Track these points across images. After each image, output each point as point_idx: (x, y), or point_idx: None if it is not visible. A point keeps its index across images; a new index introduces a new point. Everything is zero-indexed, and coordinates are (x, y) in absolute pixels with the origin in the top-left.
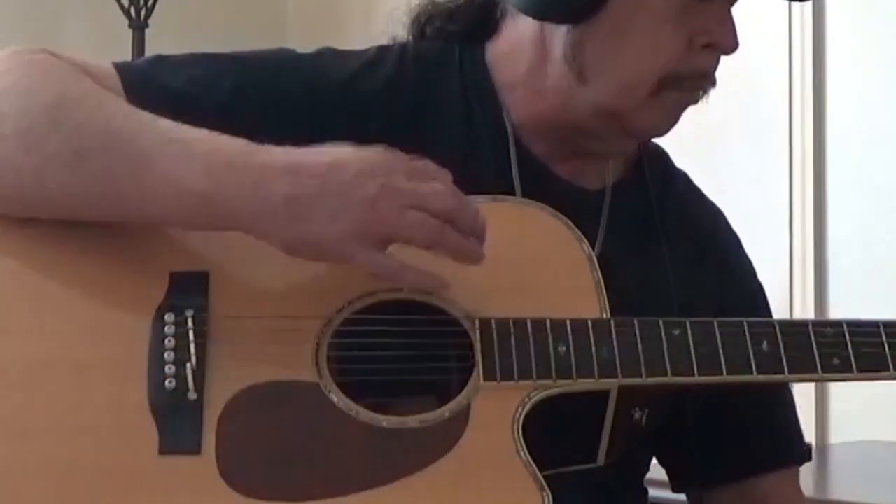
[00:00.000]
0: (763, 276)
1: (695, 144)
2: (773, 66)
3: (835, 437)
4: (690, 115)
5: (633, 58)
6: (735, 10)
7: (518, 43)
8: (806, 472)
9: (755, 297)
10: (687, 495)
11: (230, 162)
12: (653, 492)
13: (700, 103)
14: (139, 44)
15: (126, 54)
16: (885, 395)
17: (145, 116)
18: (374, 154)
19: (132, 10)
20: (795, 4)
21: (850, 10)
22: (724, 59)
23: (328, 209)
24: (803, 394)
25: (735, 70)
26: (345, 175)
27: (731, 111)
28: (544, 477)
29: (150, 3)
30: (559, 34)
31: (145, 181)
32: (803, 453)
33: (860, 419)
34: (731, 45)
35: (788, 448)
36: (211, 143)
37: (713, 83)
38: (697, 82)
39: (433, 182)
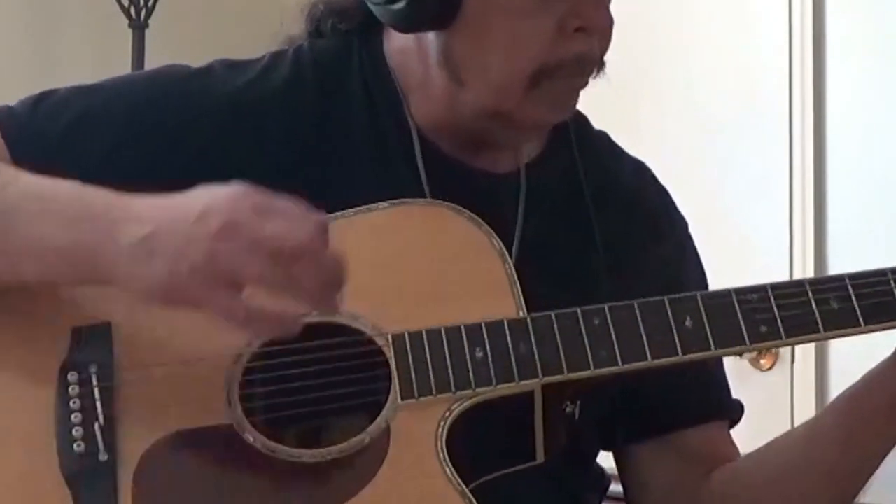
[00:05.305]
0: (763, 275)
1: (694, 144)
2: (773, 66)
3: None
4: (690, 114)
5: (499, 57)
6: (735, 11)
7: (406, 47)
8: None
9: (684, 249)
10: (614, 455)
11: (88, 213)
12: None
13: (700, 103)
14: (139, 44)
15: (126, 54)
16: None
17: (8, 175)
18: (223, 190)
19: (132, 10)
20: (796, 5)
21: (850, 10)
22: (724, 58)
23: (175, 247)
24: (803, 394)
25: (735, 70)
26: (191, 213)
27: (731, 111)
28: (486, 482)
29: (150, 3)
30: (430, 40)
31: (10, 242)
32: (731, 409)
33: None
34: (603, 24)
35: (714, 402)
36: (70, 196)
37: (601, 65)
38: (578, 67)
39: (279, 219)
